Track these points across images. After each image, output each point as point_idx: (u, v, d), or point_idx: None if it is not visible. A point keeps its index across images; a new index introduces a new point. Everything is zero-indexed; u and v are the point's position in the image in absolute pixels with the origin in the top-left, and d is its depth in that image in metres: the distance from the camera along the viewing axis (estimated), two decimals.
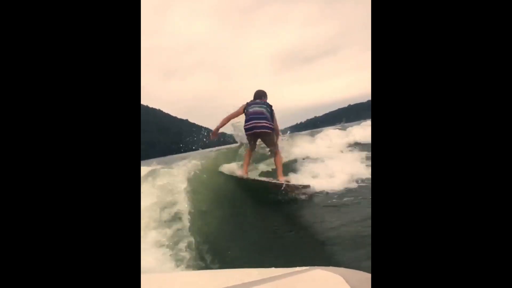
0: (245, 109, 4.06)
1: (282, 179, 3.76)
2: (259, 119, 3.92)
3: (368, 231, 2.04)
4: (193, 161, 3.73)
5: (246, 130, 3.96)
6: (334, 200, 3.26)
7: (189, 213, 2.64)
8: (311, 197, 3.46)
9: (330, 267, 0.66)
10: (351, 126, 7.99)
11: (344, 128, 7.48)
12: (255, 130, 3.91)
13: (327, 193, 3.49)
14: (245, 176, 3.95)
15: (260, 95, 4.24)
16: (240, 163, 4.25)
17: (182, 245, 2.21)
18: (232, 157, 4.54)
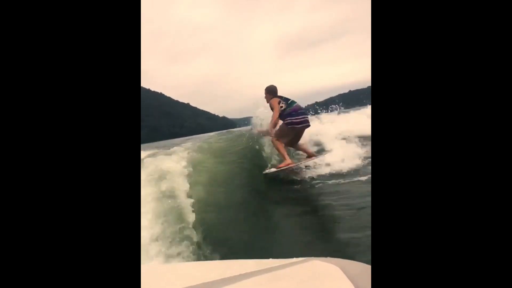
0: (281, 103, 4.17)
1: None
2: (306, 114, 4.15)
3: None
4: (195, 146, 3.71)
5: (296, 123, 4.06)
6: None
7: (189, 202, 2.63)
8: None
9: (328, 258, 0.66)
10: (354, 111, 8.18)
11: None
12: (305, 124, 4.12)
13: None
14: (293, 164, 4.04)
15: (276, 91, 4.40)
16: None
17: (181, 235, 2.20)
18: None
